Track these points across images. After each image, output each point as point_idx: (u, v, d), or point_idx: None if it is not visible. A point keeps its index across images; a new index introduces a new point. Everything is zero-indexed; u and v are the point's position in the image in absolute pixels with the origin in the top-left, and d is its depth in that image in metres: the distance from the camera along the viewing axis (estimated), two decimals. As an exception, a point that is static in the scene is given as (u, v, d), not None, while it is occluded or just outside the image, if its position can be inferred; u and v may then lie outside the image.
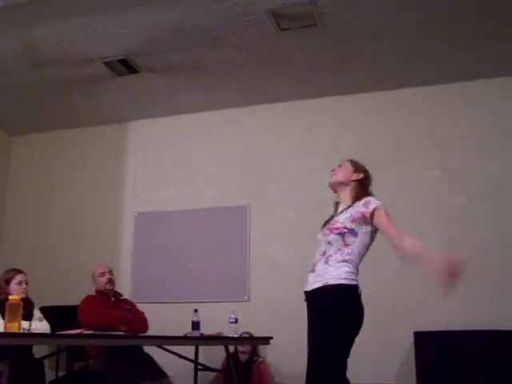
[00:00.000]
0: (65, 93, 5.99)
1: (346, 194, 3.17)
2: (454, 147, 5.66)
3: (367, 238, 3.02)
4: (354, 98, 6.02)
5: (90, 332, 3.96)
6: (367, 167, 3.30)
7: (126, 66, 5.42)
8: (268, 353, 5.59)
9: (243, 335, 5.23)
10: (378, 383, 5.08)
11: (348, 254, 2.94)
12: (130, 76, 5.62)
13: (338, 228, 3.00)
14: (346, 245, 2.96)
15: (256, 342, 5.30)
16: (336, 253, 2.96)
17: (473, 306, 5.17)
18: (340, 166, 3.29)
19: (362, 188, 3.17)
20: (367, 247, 3.05)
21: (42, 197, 6.86)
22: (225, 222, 6.15)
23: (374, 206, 3.00)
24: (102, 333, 4.06)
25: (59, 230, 6.65)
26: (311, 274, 3.06)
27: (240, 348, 5.36)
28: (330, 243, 3.00)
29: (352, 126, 5.98)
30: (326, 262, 2.97)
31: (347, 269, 2.91)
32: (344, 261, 2.93)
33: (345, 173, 3.22)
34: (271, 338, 4.85)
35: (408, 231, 5.55)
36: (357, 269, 2.99)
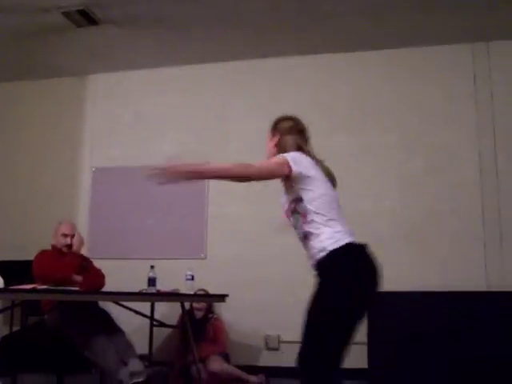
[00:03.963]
0: (20, 43, 5.79)
1: None
2: (413, 112, 5.73)
3: (315, 190, 2.63)
4: (316, 59, 6.01)
5: (44, 287, 3.93)
6: (293, 115, 2.96)
7: (86, 17, 5.26)
8: (223, 310, 5.66)
9: (199, 292, 5.28)
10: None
11: (312, 221, 2.59)
12: (90, 28, 5.46)
13: (287, 210, 2.71)
14: (305, 215, 2.62)
15: (212, 299, 5.34)
16: (304, 229, 2.62)
17: (423, 268, 5.32)
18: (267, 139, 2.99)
19: (285, 148, 2.80)
20: (326, 196, 2.64)
21: (-4, 149, 6.71)
22: (183, 179, 6.12)
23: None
24: (57, 288, 4.04)
25: (13, 184, 6.53)
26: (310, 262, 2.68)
27: (195, 305, 5.41)
28: (296, 228, 2.69)
29: (313, 87, 5.98)
30: (308, 241, 2.62)
31: (322, 237, 2.56)
32: (317, 229, 2.57)
33: (268, 149, 2.94)
34: (227, 295, 4.91)
35: (364, 192, 5.67)
36: (341, 225, 2.60)
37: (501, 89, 5.58)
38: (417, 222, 5.48)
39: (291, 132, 2.88)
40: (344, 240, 2.55)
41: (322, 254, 2.54)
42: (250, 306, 5.66)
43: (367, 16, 5.24)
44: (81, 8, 5.11)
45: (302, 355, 2.46)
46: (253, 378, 5.09)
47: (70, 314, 4.37)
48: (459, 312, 4.80)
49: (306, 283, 5.86)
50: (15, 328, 5.34)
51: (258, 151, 6.01)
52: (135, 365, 4.27)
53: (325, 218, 2.59)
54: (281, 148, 2.83)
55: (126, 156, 6.35)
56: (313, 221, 2.60)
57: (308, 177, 2.63)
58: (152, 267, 4.65)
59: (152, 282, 4.59)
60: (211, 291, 5.39)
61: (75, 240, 4.78)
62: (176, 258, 5.87)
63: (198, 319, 5.39)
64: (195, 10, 5.19)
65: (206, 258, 5.92)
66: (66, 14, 5.21)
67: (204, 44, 5.87)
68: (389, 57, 5.85)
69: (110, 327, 4.51)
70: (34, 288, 3.71)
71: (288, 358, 5.47)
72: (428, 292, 4.97)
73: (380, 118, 5.78)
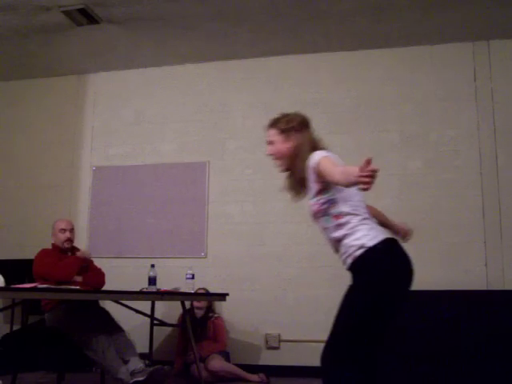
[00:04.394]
0: (20, 41, 5.79)
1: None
2: (413, 110, 5.73)
3: (345, 190, 2.55)
4: (316, 57, 6.01)
5: (45, 286, 3.93)
6: (301, 114, 2.78)
7: (86, 16, 5.26)
8: (223, 309, 5.66)
9: (199, 291, 5.28)
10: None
11: (347, 222, 2.51)
12: (90, 27, 5.46)
13: (318, 211, 2.57)
14: (339, 217, 2.53)
15: (212, 298, 5.35)
16: (337, 230, 2.53)
17: (423, 267, 5.31)
18: (271, 142, 2.74)
19: (304, 150, 2.65)
20: (358, 194, 2.60)
21: (-4, 148, 6.71)
22: (183, 178, 6.13)
23: (314, 163, 2.53)
24: (57, 287, 4.04)
25: (15, 183, 6.53)
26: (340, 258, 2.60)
27: (196, 304, 5.41)
28: (326, 229, 2.59)
29: (313, 86, 5.98)
30: (340, 243, 2.55)
31: (358, 234, 2.48)
32: (352, 228, 2.50)
33: (279, 152, 2.71)
34: (227, 294, 4.91)
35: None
36: (373, 222, 2.58)
37: (501, 87, 5.58)
38: (417, 220, 5.45)
39: (304, 128, 2.73)
40: (379, 236, 2.50)
41: (361, 250, 2.46)
42: (251, 305, 5.66)
43: (368, 15, 5.23)
44: (81, 7, 5.11)
45: (335, 350, 2.46)
46: (253, 377, 5.10)
47: (71, 313, 4.37)
48: (459, 311, 4.80)
49: (306, 283, 5.89)
50: (16, 327, 5.34)
51: (256, 149, 6.05)
52: (135, 363, 4.27)
53: (360, 218, 2.53)
54: (301, 147, 2.66)
55: (127, 155, 6.34)
56: (348, 222, 2.52)
57: None
58: (152, 266, 4.66)
59: (152, 280, 4.59)
60: (211, 290, 5.40)
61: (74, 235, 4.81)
62: (176, 257, 5.88)
63: (199, 318, 5.39)
64: (196, 8, 5.18)
65: (206, 256, 5.92)
66: (67, 13, 5.20)
67: (204, 42, 5.86)
68: (389, 55, 5.85)
69: (110, 326, 4.50)
70: (34, 287, 3.71)
71: (288, 357, 5.52)
72: (428, 291, 4.96)
73: (380, 117, 5.77)
